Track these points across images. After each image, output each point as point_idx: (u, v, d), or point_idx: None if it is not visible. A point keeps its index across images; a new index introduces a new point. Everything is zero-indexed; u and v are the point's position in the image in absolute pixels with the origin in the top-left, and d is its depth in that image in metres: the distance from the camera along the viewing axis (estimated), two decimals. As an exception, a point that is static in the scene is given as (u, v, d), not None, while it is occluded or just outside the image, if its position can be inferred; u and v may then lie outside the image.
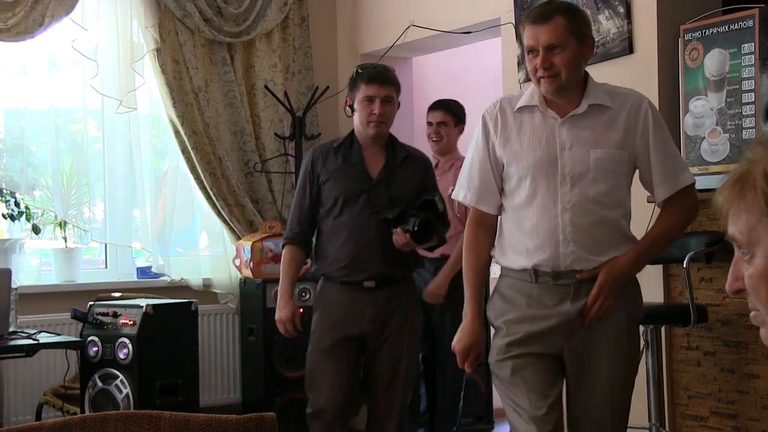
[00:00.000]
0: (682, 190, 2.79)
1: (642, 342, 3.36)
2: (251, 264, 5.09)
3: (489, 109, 2.93)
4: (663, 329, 3.90)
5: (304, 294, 5.09)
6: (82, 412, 4.46)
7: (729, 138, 3.77)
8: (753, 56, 3.68)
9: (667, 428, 3.85)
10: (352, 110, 3.73)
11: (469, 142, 3.04)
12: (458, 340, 2.92)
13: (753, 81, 3.69)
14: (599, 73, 4.23)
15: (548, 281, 2.79)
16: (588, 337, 2.79)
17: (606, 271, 2.75)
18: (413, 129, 5.78)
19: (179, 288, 5.35)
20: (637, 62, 4.10)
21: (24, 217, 5.10)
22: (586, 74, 2.85)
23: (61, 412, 4.58)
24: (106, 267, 5.53)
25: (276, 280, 5.07)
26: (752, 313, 1.22)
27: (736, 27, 3.75)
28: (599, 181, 2.76)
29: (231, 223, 5.43)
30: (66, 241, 5.28)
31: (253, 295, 5.10)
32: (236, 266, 5.27)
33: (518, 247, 2.82)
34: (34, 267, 5.36)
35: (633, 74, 4.09)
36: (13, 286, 4.36)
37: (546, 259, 2.77)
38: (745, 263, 1.20)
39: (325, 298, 3.72)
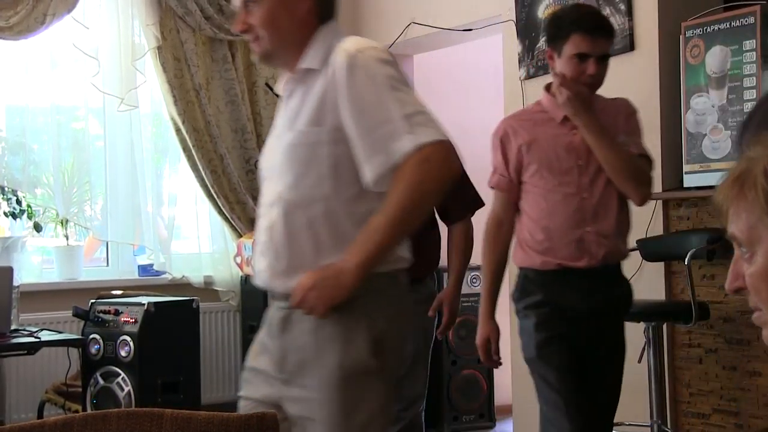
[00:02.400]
0: (407, 160, 2.04)
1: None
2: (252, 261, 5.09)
3: None
4: (665, 327, 3.90)
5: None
6: (84, 409, 4.47)
7: (731, 135, 3.77)
8: (754, 53, 3.68)
9: (669, 426, 3.85)
10: None
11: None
12: None
13: (754, 78, 3.69)
14: (600, 70, 4.23)
15: (274, 304, 2.26)
16: (293, 393, 2.17)
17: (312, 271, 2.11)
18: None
19: (180, 286, 5.35)
20: (638, 59, 4.09)
21: (26, 215, 5.11)
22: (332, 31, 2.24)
23: (63, 409, 4.58)
24: (107, 265, 5.54)
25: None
26: (755, 314, 1.22)
27: (738, 24, 3.74)
28: (286, 173, 2.16)
29: (232, 221, 5.43)
30: (67, 239, 5.28)
31: (254, 292, 5.10)
32: (237, 264, 5.28)
33: None
34: (36, 265, 5.37)
35: (634, 71, 4.09)
36: (15, 284, 4.36)
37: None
38: (746, 262, 1.19)
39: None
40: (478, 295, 5.81)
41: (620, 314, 3.12)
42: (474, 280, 5.83)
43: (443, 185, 2.08)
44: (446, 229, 3.69)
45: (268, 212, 2.21)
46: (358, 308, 2.10)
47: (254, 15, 2.19)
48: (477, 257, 5.78)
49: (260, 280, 2.25)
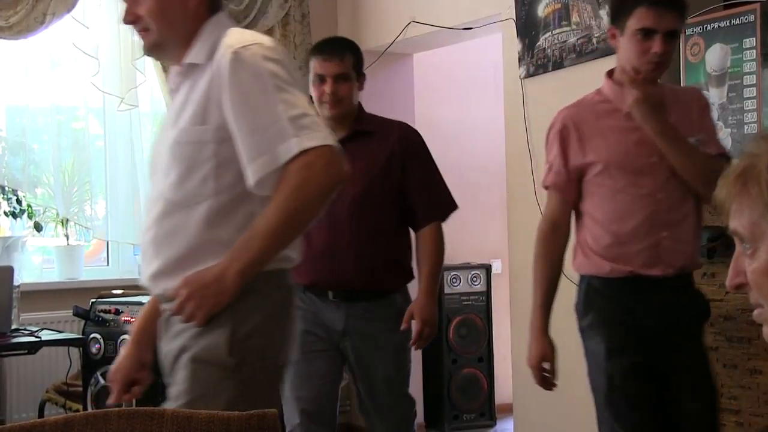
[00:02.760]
0: (290, 165, 2.01)
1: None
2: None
3: None
4: (665, 325, 3.90)
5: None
6: (85, 409, 4.47)
7: (731, 133, 3.76)
8: (754, 51, 3.68)
9: (669, 424, 3.85)
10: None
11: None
12: None
13: (755, 76, 3.68)
14: (600, 69, 4.22)
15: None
16: (171, 393, 2.14)
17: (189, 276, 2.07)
18: (414, 125, 5.77)
19: (181, 285, 5.34)
20: (638, 58, 4.09)
21: (26, 214, 5.11)
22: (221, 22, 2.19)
23: (64, 409, 4.58)
24: (107, 264, 5.54)
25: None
26: (756, 311, 1.21)
27: (738, 22, 3.74)
28: (170, 171, 2.10)
29: (232, 220, 5.43)
30: (68, 239, 5.28)
31: (255, 292, 5.10)
32: (238, 263, 5.27)
33: None
34: (36, 265, 5.38)
35: (634, 70, 4.09)
36: (15, 283, 4.36)
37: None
38: (748, 258, 1.19)
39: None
40: (478, 293, 5.86)
41: (700, 332, 2.85)
42: (474, 279, 5.83)
43: (328, 190, 2.06)
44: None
45: (151, 209, 2.16)
46: (230, 306, 2.05)
47: (143, 5, 2.12)
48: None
49: (142, 280, 2.21)
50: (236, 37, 2.11)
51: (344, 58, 3.27)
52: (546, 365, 2.79)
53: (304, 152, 2.01)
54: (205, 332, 2.06)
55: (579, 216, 2.80)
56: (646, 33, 2.61)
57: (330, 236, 3.15)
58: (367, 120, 3.36)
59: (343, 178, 2.08)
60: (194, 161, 2.07)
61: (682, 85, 3.92)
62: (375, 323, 3.24)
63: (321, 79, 3.24)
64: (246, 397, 2.06)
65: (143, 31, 2.15)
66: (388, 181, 3.25)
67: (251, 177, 2.03)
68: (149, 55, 2.25)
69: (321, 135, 2.04)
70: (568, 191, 2.78)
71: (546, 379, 2.80)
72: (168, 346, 2.16)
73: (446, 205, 3.36)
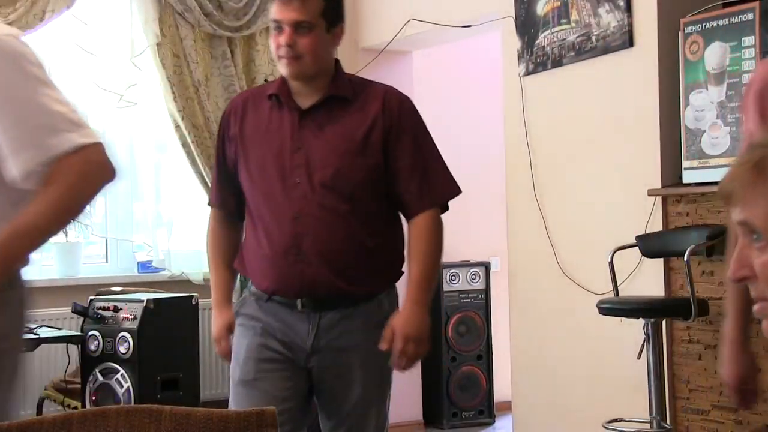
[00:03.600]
0: (65, 160, 1.92)
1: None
2: None
3: None
4: (664, 323, 3.90)
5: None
6: (83, 406, 4.47)
7: (730, 131, 3.76)
8: (753, 49, 3.68)
9: (668, 422, 3.85)
10: None
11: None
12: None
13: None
14: (599, 66, 4.24)
15: None
16: None
17: None
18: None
19: (180, 282, 5.35)
20: (637, 56, 4.09)
21: (24, 211, 5.11)
22: None
23: (62, 406, 4.58)
24: (106, 261, 5.54)
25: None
26: (758, 305, 1.20)
27: (737, 20, 3.74)
28: None
29: (232, 218, 5.43)
30: (67, 236, 5.28)
31: (254, 289, 5.10)
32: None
33: None
34: (35, 262, 5.37)
35: (633, 68, 4.09)
36: (14, 280, 4.36)
37: None
38: (757, 250, 1.16)
39: None
40: (477, 291, 5.85)
41: None
42: (473, 277, 5.83)
43: (100, 189, 2.00)
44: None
45: None
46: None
47: None
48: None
49: None
50: None
51: (306, 1, 2.53)
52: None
53: (81, 148, 1.93)
54: None
55: None
56: None
57: (294, 231, 2.56)
58: (344, 83, 2.65)
59: (114, 178, 2.02)
60: None
61: (680, 83, 3.92)
62: (353, 335, 2.60)
63: (277, 27, 2.55)
64: (6, 401, 1.96)
65: None
66: (366, 161, 2.58)
67: (16, 169, 1.92)
68: None
69: (94, 132, 1.98)
70: None
71: (747, 398, 2.25)
72: None
73: (445, 188, 2.68)
